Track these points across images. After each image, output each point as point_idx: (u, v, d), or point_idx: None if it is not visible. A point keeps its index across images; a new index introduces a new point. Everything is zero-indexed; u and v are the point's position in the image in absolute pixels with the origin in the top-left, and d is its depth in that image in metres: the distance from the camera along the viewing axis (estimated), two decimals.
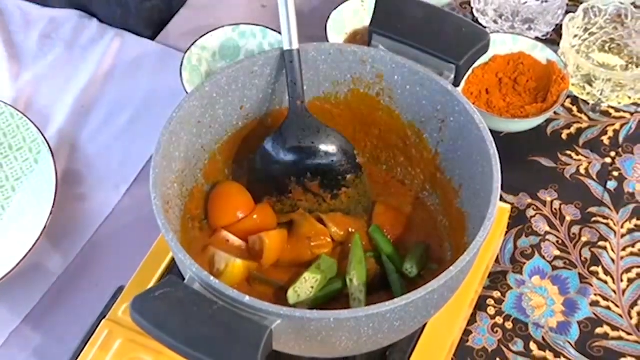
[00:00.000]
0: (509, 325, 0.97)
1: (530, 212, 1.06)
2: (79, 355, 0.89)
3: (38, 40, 1.25)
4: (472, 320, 0.97)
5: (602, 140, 1.12)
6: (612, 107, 1.16)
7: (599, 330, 0.97)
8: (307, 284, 0.86)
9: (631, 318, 0.98)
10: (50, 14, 1.28)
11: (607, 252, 1.03)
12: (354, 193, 0.93)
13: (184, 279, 0.75)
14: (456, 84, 0.89)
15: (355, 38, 1.17)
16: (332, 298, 0.87)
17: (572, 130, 1.14)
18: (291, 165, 0.91)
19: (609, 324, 0.97)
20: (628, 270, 1.01)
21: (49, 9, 1.28)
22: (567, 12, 1.16)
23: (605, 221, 1.05)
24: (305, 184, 0.92)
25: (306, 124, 0.90)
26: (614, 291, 1.00)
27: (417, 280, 0.88)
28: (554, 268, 1.02)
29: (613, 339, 0.96)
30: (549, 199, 1.07)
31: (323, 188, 0.92)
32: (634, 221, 1.05)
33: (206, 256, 0.89)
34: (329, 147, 0.91)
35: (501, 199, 0.94)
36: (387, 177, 0.97)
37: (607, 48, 1.17)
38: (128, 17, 1.27)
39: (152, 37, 1.26)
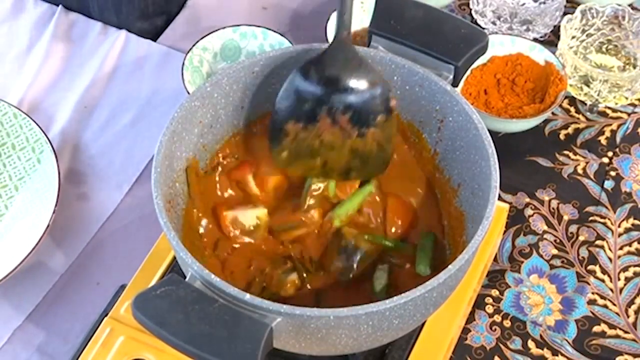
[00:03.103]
0: (507, 323, 0.98)
1: (528, 212, 1.07)
2: (81, 352, 0.89)
3: (41, 41, 1.25)
4: (470, 318, 0.98)
5: (599, 141, 1.13)
6: (609, 108, 1.16)
7: (596, 329, 0.98)
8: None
9: (628, 316, 0.99)
10: (53, 15, 1.28)
11: (605, 251, 1.03)
12: (380, 136, 0.89)
13: (185, 277, 0.76)
14: (455, 84, 0.89)
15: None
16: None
17: (570, 130, 1.14)
18: (326, 94, 0.87)
19: (606, 322, 0.98)
20: (625, 269, 1.02)
21: (51, 9, 1.29)
22: (564, 14, 1.16)
23: (602, 220, 1.06)
24: (335, 115, 0.88)
25: (349, 55, 0.87)
26: (611, 290, 1.00)
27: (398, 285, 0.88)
28: (552, 267, 1.02)
29: (610, 337, 0.97)
30: (546, 199, 1.08)
31: (352, 123, 0.88)
32: (631, 220, 1.06)
33: (224, 221, 0.90)
34: (367, 83, 0.87)
35: (499, 198, 0.94)
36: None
37: (604, 49, 1.17)
38: (130, 18, 1.27)
39: (154, 38, 1.27)
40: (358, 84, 0.87)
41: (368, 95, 0.87)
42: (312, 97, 0.87)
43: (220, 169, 0.93)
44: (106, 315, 0.91)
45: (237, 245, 0.90)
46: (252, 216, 0.90)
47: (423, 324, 0.90)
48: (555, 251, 1.03)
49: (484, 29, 1.20)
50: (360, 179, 0.92)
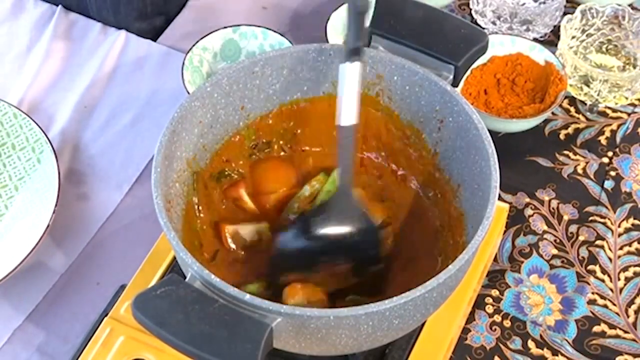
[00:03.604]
0: (507, 323, 0.98)
1: (528, 211, 1.07)
2: (81, 352, 0.89)
3: (41, 41, 1.25)
4: (470, 318, 0.98)
5: (599, 140, 1.13)
6: (609, 108, 1.16)
7: (596, 329, 0.98)
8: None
9: (628, 316, 0.99)
10: (53, 15, 1.28)
11: (605, 250, 1.03)
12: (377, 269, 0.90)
13: (185, 277, 0.76)
14: (455, 84, 0.89)
15: None
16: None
17: (570, 130, 1.14)
18: (325, 246, 0.87)
19: (606, 322, 0.98)
20: (625, 269, 1.02)
21: (51, 9, 1.29)
22: (564, 14, 1.16)
23: (602, 220, 1.06)
24: (334, 267, 0.88)
25: (350, 206, 0.87)
26: (611, 290, 1.00)
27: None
28: (552, 267, 1.02)
29: (610, 337, 0.97)
30: (546, 199, 1.08)
31: (352, 274, 0.88)
32: (631, 220, 1.06)
33: (224, 233, 0.91)
34: (366, 237, 0.88)
35: (499, 198, 0.94)
36: (386, 175, 0.98)
37: (604, 49, 1.17)
38: (128, 18, 1.28)
39: (153, 38, 1.27)
40: (356, 236, 0.87)
41: (367, 246, 0.88)
42: (313, 250, 0.87)
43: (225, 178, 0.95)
44: (106, 315, 0.91)
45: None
46: (252, 231, 0.91)
47: (423, 324, 0.90)
48: (555, 251, 1.03)
49: (484, 29, 1.20)
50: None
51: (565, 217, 1.06)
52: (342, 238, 0.87)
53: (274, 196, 0.94)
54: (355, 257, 0.88)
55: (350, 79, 0.83)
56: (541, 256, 1.03)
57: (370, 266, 0.89)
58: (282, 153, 0.97)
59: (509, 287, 1.01)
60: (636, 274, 1.02)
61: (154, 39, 1.27)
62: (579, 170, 1.10)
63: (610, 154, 1.12)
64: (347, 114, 0.84)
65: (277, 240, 0.90)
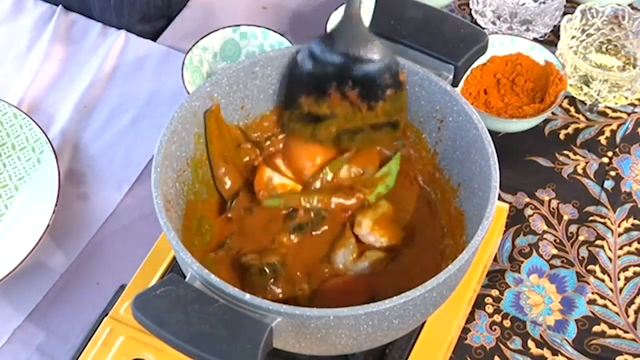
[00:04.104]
0: (507, 323, 0.98)
1: (528, 211, 1.07)
2: (81, 352, 0.89)
3: (41, 41, 1.25)
4: (470, 318, 0.98)
5: (599, 140, 1.13)
6: (609, 108, 1.16)
7: (596, 328, 0.98)
8: None
9: (628, 316, 0.99)
10: (53, 15, 1.28)
11: (604, 250, 1.03)
12: (391, 108, 0.91)
13: (185, 277, 0.76)
14: (455, 84, 0.89)
15: None
16: None
17: (570, 130, 1.14)
18: (334, 70, 0.89)
19: (606, 322, 0.98)
20: (625, 269, 1.02)
21: (51, 9, 1.29)
22: (564, 14, 1.17)
23: (602, 220, 1.06)
24: (344, 90, 0.89)
25: (357, 32, 0.87)
26: (611, 289, 1.00)
27: None
28: (552, 267, 1.02)
29: (610, 336, 0.97)
30: (546, 198, 1.08)
31: (361, 98, 0.90)
32: (631, 220, 1.06)
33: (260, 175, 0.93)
34: (375, 59, 0.88)
35: (499, 198, 0.94)
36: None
37: (604, 49, 1.17)
38: (131, 20, 1.28)
39: (154, 38, 1.27)
40: (365, 60, 0.88)
41: (377, 71, 0.88)
42: (321, 72, 0.89)
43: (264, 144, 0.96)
44: (106, 315, 0.91)
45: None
46: (283, 183, 0.93)
47: (423, 324, 0.90)
48: (555, 251, 1.03)
49: (484, 29, 1.20)
50: (371, 147, 0.95)
51: (565, 217, 1.06)
52: (350, 62, 0.88)
53: (311, 169, 0.94)
54: (363, 83, 0.89)
55: None
56: (541, 256, 1.03)
57: (378, 92, 0.90)
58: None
59: (509, 287, 1.01)
60: (636, 274, 1.02)
61: (156, 40, 1.27)
62: (579, 170, 1.10)
63: (610, 154, 1.12)
64: None
65: (278, 88, 0.92)
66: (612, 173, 1.10)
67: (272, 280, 0.86)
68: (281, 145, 0.96)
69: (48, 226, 1.00)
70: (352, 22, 0.88)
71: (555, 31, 1.21)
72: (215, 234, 0.91)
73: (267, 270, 0.86)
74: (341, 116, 0.91)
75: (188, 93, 1.06)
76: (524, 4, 1.23)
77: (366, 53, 0.88)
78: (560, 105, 1.15)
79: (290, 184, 0.93)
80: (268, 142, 0.96)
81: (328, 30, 0.89)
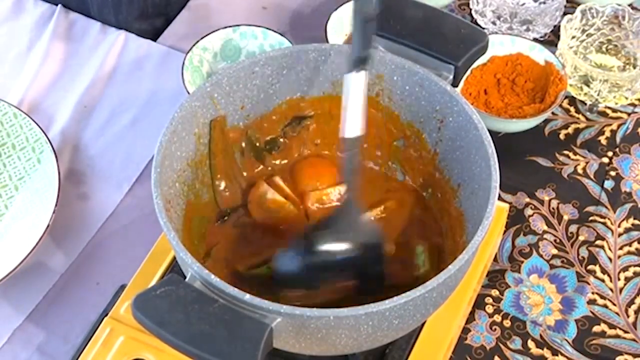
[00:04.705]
0: (507, 323, 0.98)
1: (528, 211, 1.07)
2: (81, 352, 0.89)
3: (41, 41, 1.26)
4: (470, 318, 0.98)
5: (599, 140, 1.13)
6: (609, 108, 1.16)
7: (596, 329, 0.98)
8: None
9: (628, 316, 0.99)
10: (53, 15, 1.28)
11: (605, 250, 1.03)
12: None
13: (185, 277, 0.76)
14: (455, 84, 0.89)
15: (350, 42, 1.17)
16: None
17: (570, 130, 1.14)
18: (330, 262, 0.84)
19: (606, 322, 0.98)
20: (625, 269, 1.02)
21: (51, 9, 1.29)
22: (564, 14, 1.17)
23: (602, 220, 1.06)
24: (336, 282, 0.85)
25: (354, 220, 0.85)
26: (611, 289, 1.01)
27: None
28: (552, 267, 1.02)
29: (610, 337, 0.97)
30: (546, 198, 1.08)
31: (355, 290, 0.86)
32: (631, 220, 1.06)
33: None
34: (367, 245, 0.85)
35: (499, 198, 0.94)
36: (386, 176, 0.98)
37: (604, 49, 1.17)
38: (129, 18, 1.28)
39: (154, 39, 1.27)
40: (361, 252, 0.84)
41: (368, 258, 0.85)
42: (315, 267, 0.84)
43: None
44: (106, 315, 0.91)
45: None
46: (276, 199, 0.93)
47: (423, 324, 0.90)
48: (555, 251, 1.03)
49: (484, 29, 1.20)
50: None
51: (565, 217, 1.06)
52: (346, 255, 0.84)
53: (315, 195, 0.94)
54: (359, 274, 0.85)
55: (355, 89, 0.80)
56: (541, 256, 1.03)
57: (374, 282, 0.86)
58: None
59: (509, 287, 1.01)
60: (636, 274, 1.02)
61: (154, 39, 1.27)
62: (579, 170, 1.10)
63: (610, 154, 1.12)
64: (352, 125, 0.81)
65: (277, 256, 0.86)
66: (612, 173, 1.10)
67: None
68: (284, 161, 0.96)
69: (48, 226, 1.00)
70: (349, 210, 0.83)
71: (555, 31, 1.21)
72: (207, 240, 0.91)
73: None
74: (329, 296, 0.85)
75: (188, 93, 1.06)
76: (524, 4, 1.23)
77: (362, 241, 0.84)
78: (560, 105, 1.15)
79: (282, 201, 0.92)
80: (271, 152, 0.96)
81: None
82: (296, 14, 1.30)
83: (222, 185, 0.92)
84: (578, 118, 1.15)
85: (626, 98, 1.12)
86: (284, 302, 0.73)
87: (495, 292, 1.00)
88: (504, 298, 1.00)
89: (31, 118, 1.11)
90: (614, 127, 1.15)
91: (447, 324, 0.91)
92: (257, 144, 0.95)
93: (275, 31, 1.15)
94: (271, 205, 0.92)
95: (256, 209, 0.93)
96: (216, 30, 1.14)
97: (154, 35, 1.28)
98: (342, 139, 0.82)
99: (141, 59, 1.24)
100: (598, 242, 1.04)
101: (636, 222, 1.06)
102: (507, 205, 1.02)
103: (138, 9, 1.27)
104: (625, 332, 0.97)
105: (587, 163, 1.11)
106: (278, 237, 0.91)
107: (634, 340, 0.97)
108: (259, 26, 1.15)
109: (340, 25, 1.17)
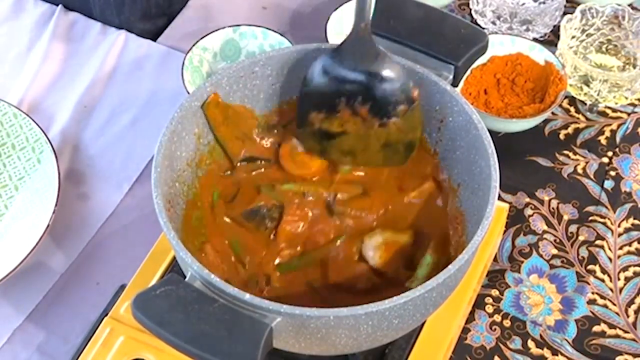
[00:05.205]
0: (507, 323, 0.98)
1: (528, 211, 1.07)
2: (81, 352, 0.89)
3: (41, 41, 1.26)
4: (470, 318, 0.98)
5: (599, 140, 1.13)
6: (609, 108, 1.16)
7: (596, 328, 0.98)
8: None
9: (628, 316, 0.99)
10: (53, 15, 1.28)
11: (604, 250, 1.03)
12: (404, 125, 0.90)
13: (185, 277, 0.76)
14: (455, 84, 0.89)
15: None
16: None
17: (570, 130, 1.14)
18: (343, 86, 0.88)
19: (606, 322, 0.98)
20: (625, 269, 1.02)
21: (51, 9, 1.29)
22: (564, 14, 1.17)
23: (602, 220, 1.06)
24: (354, 106, 0.88)
25: (365, 48, 0.87)
26: (611, 289, 1.01)
27: None
28: (552, 266, 1.02)
29: (610, 336, 0.97)
30: (546, 198, 1.08)
31: (372, 114, 0.89)
32: (631, 220, 1.06)
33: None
34: (385, 75, 0.87)
35: (499, 198, 0.95)
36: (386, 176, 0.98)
37: (604, 49, 1.17)
38: (131, 19, 1.28)
39: (154, 39, 1.27)
40: (375, 76, 0.87)
41: (387, 87, 0.87)
42: (331, 88, 0.88)
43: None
44: (106, 315, 0.91)
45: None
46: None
47: (423, 324, 0.90)
48: (555, 251, 1.03)
49: (484, 29, 1.20)
50: (384, 166, 0.93)
51: (565, 217, 1.06)
52: (359, 78, 0.87)
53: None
54: (374, 100, 0.88)
55: None
56: (541, 256, 1.03)
57: (389, 109, 0.88)
58: None
59: (509, 287, 1.01)
60: (636, 274, 1.02)
61: (155, 39, 1.27)
62: (579, 170, 1.10)
63: (610, 153, 1.12)
64: None
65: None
66: (612, 173, 1.10)
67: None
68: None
69: (48, 226, 1.00)
70: (359, 38, 0.87)
71: (555, 31, 1.21)
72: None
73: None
74: (353, 133, 0.90)
75: (188, 93, 1.06)
76: (524, 4, 1.23)
77: (376, 69, 0.87)
78: (560, 105, 1.15)
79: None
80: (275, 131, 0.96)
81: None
82: (296, 14, 1.30)
83: (243, 151, 0.93)
84: (578, 118, 1.15)
85: (626, 98, 1.12)
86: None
87: (495, 292, 1.00)
88: (503, 298, 1.00)
89: (31, 118, 1.11)
90: (614, 127, 1.15)
91: (447, 324, 0.91)
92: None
93: (275, 31, 1.15)
94: (303, 159, 0.93)
95: (288, 162, 0.93)
96: (216, 30, 1.14)
97: (157, 36, 1.28)
98: None
99: (141, 59, 1.24)
100: (598, 242, 1.04)
101: (636, 222, 1.06)
102: (507, 205, 1.02)
103: (141, 10, 1.27)
104: (625, 332, 0.97)
105: (587, 163, 1.11)
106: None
107: (634, 340, 0.97)
108: (259, 26, 1.15)
109: (340, 25, 1.17)
